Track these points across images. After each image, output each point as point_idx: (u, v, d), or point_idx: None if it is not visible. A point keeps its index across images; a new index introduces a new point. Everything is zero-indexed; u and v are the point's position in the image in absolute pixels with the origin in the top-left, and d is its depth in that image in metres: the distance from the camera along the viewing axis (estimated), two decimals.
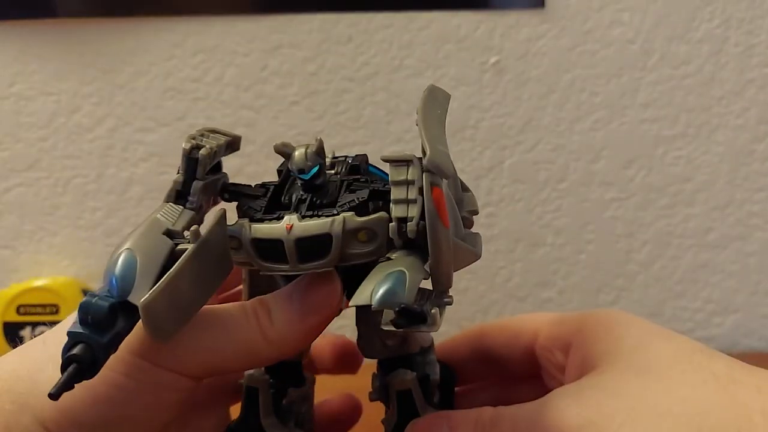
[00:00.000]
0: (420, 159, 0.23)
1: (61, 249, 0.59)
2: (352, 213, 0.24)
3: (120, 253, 0.22)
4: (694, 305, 0.60)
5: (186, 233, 0.24)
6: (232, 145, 0.29)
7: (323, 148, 0.26)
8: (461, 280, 0.59)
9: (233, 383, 0.31)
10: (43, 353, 0.24)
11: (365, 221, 0.24)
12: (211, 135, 0.28)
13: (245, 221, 0.25)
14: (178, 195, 0.26)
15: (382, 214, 0.24)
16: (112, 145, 0.58)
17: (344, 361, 0.35)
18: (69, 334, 0.22)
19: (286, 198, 0.26)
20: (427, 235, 0.22)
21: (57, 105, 0.57)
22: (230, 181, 0.28)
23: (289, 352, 0.26)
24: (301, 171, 0.25)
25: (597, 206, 0.58)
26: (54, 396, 0.21)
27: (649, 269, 0.59)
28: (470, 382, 0.35)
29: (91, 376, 0.21)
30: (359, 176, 0.27)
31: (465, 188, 0.28)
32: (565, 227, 0.59)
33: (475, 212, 0.28)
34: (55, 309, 0.55)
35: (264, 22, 0.56)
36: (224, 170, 0.29)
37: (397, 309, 0.21)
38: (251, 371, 0.30)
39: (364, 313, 0.28)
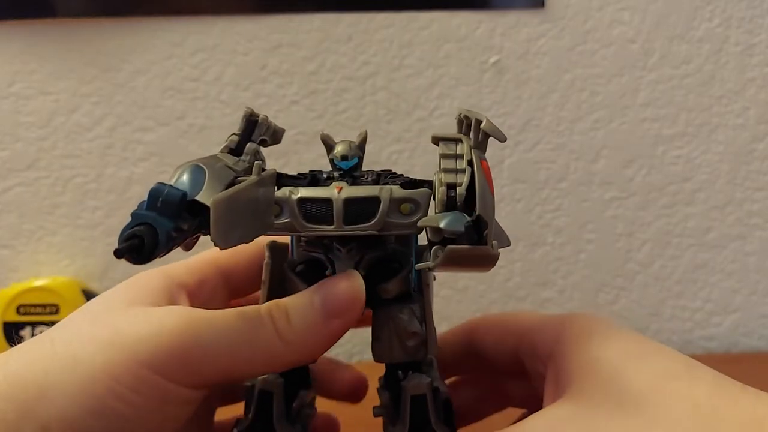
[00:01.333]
0: (467, 137, 0.25)
1: (60, 248, 0.59)
2: (398, 186, 0.25)
3: (186, 166, 0.23)
4: (693, 305, 0.60)
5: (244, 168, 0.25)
6: (277, 135, 0.29)
7: (365, 142, 0.27)
8: (461, 280, 0.59)
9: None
10: (51, 354, 0.24)
11: (411, 192, 0.25)
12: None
13: (288, 188, 0.25)
14: (231, 152, 0.27)
15: (426, 189, 0.25)
16: (111, 144, 0.58)
17: (354, 394, 0.35)
18: (134, 215, 0.21)
19: (321, 183, 0.27)
20: (476, 198, 0.23)
21: (56, 104, 0.57)
22: None
23: (309, 357, 0.26)
24: (344, 158, 0.26)
25: (597, 206, 0.58)
26: (116, 253, 0.20)
27: (648, 269, 0.59)
28: (460, 375, 0.35)
29: (145, 261, 0.21)
30: (390, 170, 0.28)
31: None
32: (565, 227, 0.59)
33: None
34: (55, 309, 0.55)
35: (264, 21, 0.56)
36: None
37: (467, 223, 0.22)
38: (264, 375, 0.29)
39: (384, 314, 0.28)
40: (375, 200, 0.25)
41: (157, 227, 0.21)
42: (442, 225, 0.22)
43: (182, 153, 0.57)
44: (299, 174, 0.27)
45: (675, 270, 0.59)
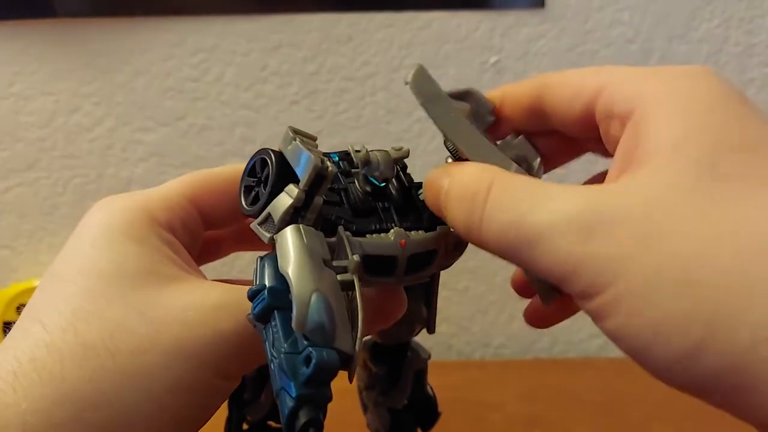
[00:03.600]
0: None
1: (60, 249, 0.59)
2: (446, 228, 0.25)
3: (310, 296, 0.20)
4: None
5: (340, 263, 0.22)
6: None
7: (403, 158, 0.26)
8: (461, 280, 0.59)
9: None
10: (112, 367, 0.22)
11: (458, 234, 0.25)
12: (308, 140, 0.25)
13: (348, 235, 0.24)
14: (296, 212, 0.23)
15: None
16: (111, 144, 0.58)
17: None
18: (298, 398, 0.19)
19: (354, 201, 0.25)
20: None
21: (56, 105, 0.57)
22: None
23: None
24: (385, 180, 0.25)
25: None
26: None
27: None
28: (524, 132, 0.30)
29: None
30: (409, 175, 0.27)
31: None
32: None
33: None
34: None
35: (264, 21, 0.56)
36: None
37: None
38: None
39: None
40: (434, 252, 0.25)
41: (323, 403, 0.20)
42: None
43: (182, 153, 0.57)
44: (330, 190, 0.25)
45: None
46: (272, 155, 0.24)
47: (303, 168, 0.23)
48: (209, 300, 0.24)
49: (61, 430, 0.21)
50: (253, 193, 0.24)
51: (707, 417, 0.48)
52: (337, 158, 0.26)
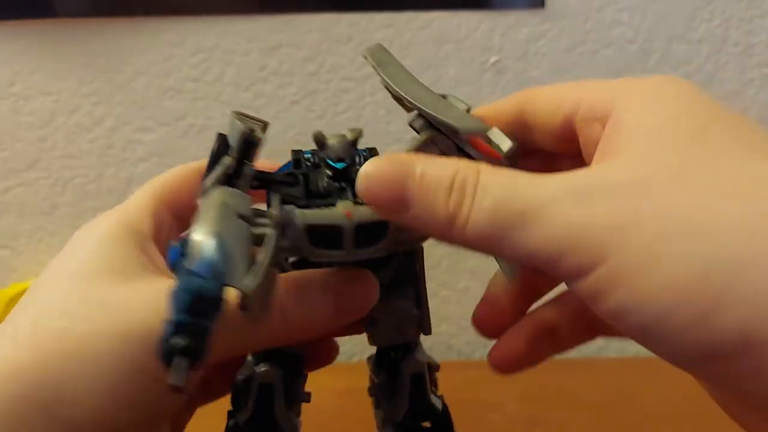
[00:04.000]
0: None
1: (60, 249, 0.59)
2: None
3: (207, 237, 0.21)
4: None
5: (261, 219, 0.23)
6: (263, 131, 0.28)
7: (358, 140, 0.27)
8: (461, 280, 0.59)
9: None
10: (58, 348, 0.23)
11: None
12: (249, 120, 0.26)
13: (293, 207, 0.24)
14: (227, 179, 0.24)
15: None
16: (111, 144, 0.58)
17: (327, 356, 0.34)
18: (176, 324, 0.19)
19: (314, 186, 0.26)
20: None
21: (56, 105, 0.57)
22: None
23: (302, 342, 0.26)
24: (340, 160, 0.26)
25: None
26: (174, 390, 0.19)
27: None
28: None
29: (198, 368, 0.19)
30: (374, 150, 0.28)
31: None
32: None
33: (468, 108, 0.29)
34: None
35: (264, 21, 0.56)
36: None
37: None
38: (264, 368, 0.29)
39: (384, 302, 0.28)
40: (385, 223, 0.24)
41: (203, 333, 0.19)
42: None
43: (182, 154, 0.57)
44: (288, 174, 0.26)
45: None
46: (217, 137, 0.25)
47: (233, 137, 0.24)
48: (144, 269, 0.25)
49: (8, 404, 0.22)
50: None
51: (707, 417, 0.48)
52: (309, 154, 0.27)
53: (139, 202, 0.28)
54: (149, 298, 0.24)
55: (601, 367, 0.56)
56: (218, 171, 0.24)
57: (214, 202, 0.23)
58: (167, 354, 0.19)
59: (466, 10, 0.55)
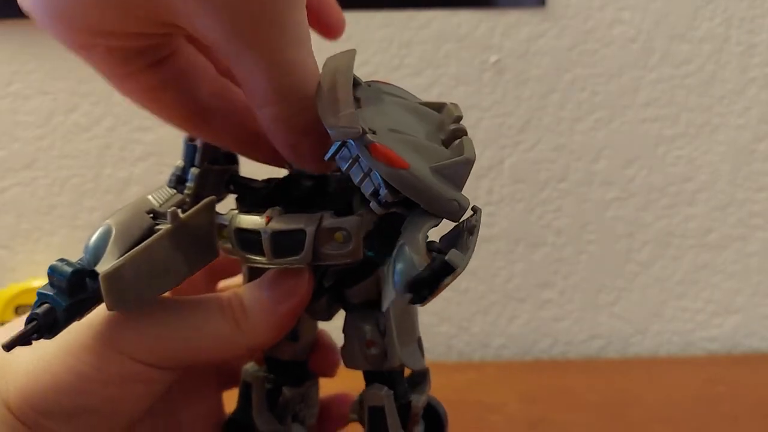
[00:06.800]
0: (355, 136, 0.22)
1: (58, 249, 0.58)
2: (333, 212, 0.24)
3: (100, 226, 0.24)
4: (694, 306, 0.60)
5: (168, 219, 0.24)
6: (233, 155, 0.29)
7: None
8: (461, 281, 0.59)
9: (227, 369, 0.31)
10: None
11: (340, 220, 0.23)
12: None
13: (234, 212, 0.25)
14: (179, 180, 0.27)
15: (359, 214, 0.24)
16: (109, 144, 0.57)
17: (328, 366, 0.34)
18: (38, 293, 0.22)
19: (287, 192, 0.26)
20: (399, 188, 0.22)
21: (54, 104, 0.56)
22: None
23: (264, 343, 0.26)
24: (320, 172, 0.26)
25: (597, 206, 0.58)
26: (6, 347, 0.21)
27: (649, 269, 0.59)
28: None
29: (50, 337, 0.22)
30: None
31: (438, 107, 0.26)
32: (565, 227, 0.59)
33: (459, 118, 0.25)
34: None
35: None
36: None
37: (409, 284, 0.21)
38: (246, 366, 0.30)
39: (350, 321, 0.28)
40: (301, 232, 0.23)
41: (56, 306, 0.22)
42: (398, 291, 0.21)
43: (181, 153, 0.57)
44: (269, 180, 0.27)
45: (676, 271, 0.59)
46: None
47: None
48: None
49: None
50: None
51: (707, 417, 0.48)
52: None
53: None
54: None
55: (602, 368, 0.56)
56: (171, 172, 0.27)
57: (140, 197, 0.26)
58: (27, 319, 0.22)
59: (467, 8, 0.55)
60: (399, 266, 0.21)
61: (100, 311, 0.24)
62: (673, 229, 0.59)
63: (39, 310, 0.22)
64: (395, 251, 0.22)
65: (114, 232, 0.23)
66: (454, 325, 0.60)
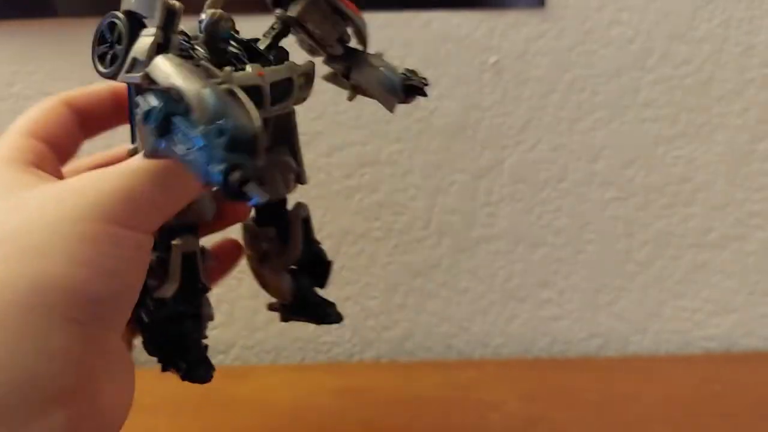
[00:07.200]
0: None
1: None
2: (293, 62, 0.29)
3: (203, 89, 0.22)
4: (693, 305, 0.60)
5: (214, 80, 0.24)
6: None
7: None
8: (461, 280, 0.59)
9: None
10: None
11: (306, 66, 0.30)
12: None
13: (228, 69, 0.26)
14: (159, 49, 0.25)
15: (310, 62, 0.30)
16: (110, 145, 0.57)
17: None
18: (228, 159, 0.20)
19: (206, 55, 0.28)
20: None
21: None
22: None
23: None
24: (235, 30, 0.30)
25: (597, 206, 0.58)
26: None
27: (648, 269, 0.59)
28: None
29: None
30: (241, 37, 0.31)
31: None
32: (565, 227, 0.59)
33: None
34: None
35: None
36: None
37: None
38: (184, 238, 0.30)
39: (268, 158, 0.31)
40: (290, 80, 0.28)
41: (253, 169, 0.20)
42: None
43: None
44: (180, 49, 0.27)
45: (675, 270, 0.59)
46: (119, 15, 0.27)
47: (155, 9, 0.25)
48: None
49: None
50: (109, 56, 0.27)
51: (707, 417, 0.48)
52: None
53: (11, 139, 0.30)
54: (62, 188, 0.26)
55: (601, 367, 0.56)
56: (149, 42, 0.25)
57: (174, 62, 0.23)
58: (235, 188, 0.20)
59: (466, 9, 0.55)
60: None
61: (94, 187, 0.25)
62: (672, 229, 0.59)
63: (247, 166, 0.20)
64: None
65: (221, 91, 0.22)
66: (454, 324, 0.60)
